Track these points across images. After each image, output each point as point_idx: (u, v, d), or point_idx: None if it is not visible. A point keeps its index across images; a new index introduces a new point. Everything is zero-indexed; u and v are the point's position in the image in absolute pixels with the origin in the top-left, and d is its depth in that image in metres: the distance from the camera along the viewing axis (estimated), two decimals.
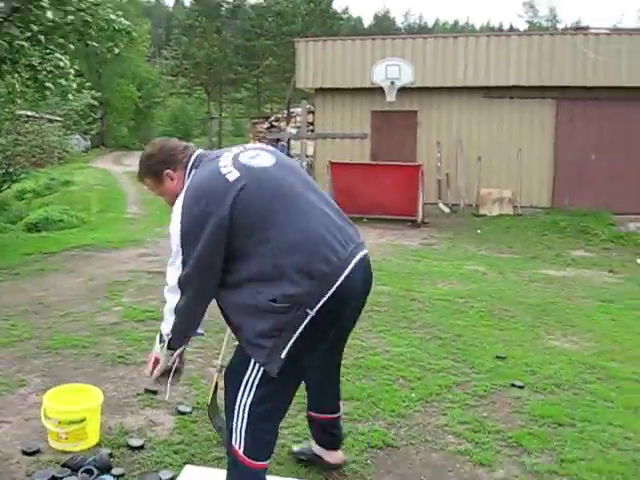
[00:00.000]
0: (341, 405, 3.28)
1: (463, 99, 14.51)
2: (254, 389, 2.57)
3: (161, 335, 2.77)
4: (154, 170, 2.80)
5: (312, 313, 2.46)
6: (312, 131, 15.30)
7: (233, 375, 2.66)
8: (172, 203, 2.73)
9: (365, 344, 5.30)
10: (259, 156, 2.65)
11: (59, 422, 3.23)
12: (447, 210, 14.66)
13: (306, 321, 2.46)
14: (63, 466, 3.09)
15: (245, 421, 2.60)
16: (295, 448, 3.37)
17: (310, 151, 15.28)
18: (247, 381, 2.58)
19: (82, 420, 3.25)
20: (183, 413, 3.80)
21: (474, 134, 14.60)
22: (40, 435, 3.44)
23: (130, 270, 7.84)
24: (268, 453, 2.70)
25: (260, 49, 28.50)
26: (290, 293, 2.45)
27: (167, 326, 2.70)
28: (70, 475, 3.01)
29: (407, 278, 8.07)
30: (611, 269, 9.89)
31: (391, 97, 14.10)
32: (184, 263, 2.52)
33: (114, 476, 3.04)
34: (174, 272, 2.58)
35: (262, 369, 2.54)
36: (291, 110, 16.00)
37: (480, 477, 3.34)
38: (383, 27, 64.64)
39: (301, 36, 27.26)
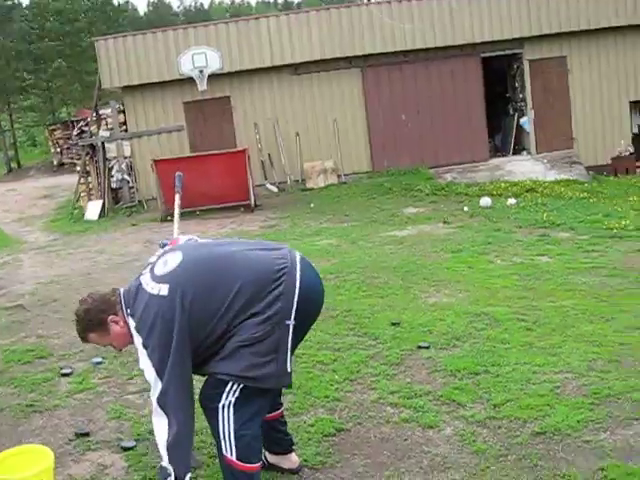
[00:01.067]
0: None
1: (273, 79, 14.71)
2: (237, 394, 2.73)
3: (163, 468, 2.75)
4: (97, 321, 2.87)
5: (292, 321, 2.72)
6: (126, 131, 14.78)
7: (211, 390, 2.78)
8: (124, 345, 2.97)
9: None
10: (168, 260, 2.85)
11: None
12: (275, 189, 14.88)
13: (291, 330, 2.73)
14: None
15: (231, 425, 2.72)
16: None
17: (127, 152, 14.74)
18: (228, 390, 2.73)
19: None
20: (128, 449, 3.67)
21: (289, 111, 14.89)
22: None
23: None
24: (259, 454, 2.82)
25: (46, 52, 26.70)
26: (267, 315, 2.71)
27: (166, 457, 2.70)
28: None
29: None
30: (445, 220, 10.66)
31: (202, 86, 13.96)
32: (160, 376, 2.67)
33: None
34: (154, 398, 2.71)
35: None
36: (100, 112, 15.29)
37: (433, 438, 3.59)
38: (160, 14, 63.18)
39: (87, 34, 26.01)
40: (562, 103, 14.96)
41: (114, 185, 14.81)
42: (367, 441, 3.61)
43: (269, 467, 3.26)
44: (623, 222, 9.44)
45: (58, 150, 25.24)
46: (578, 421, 3.60)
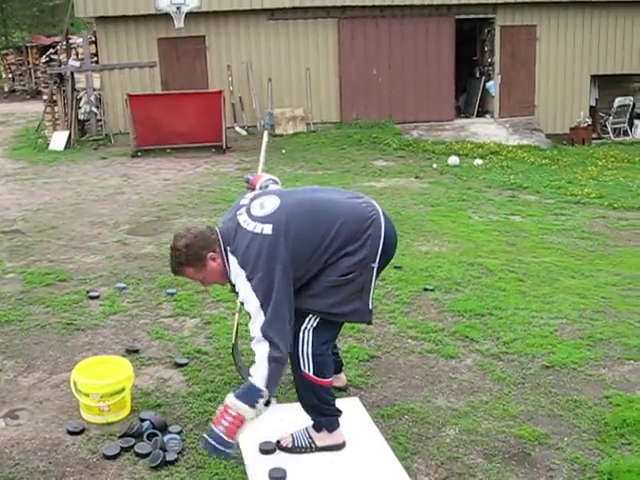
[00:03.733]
0: None
1: (250, 22, 14.68)
2: (317, 320, 3.02)
3: (255, 389, 2.87)
4: (197, 257, 2.97)
5: (376, 264, 3.02)
6: (97, 62, 14.55)
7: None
8: (214, 282, 3.10)
9: None
10: (265, 202, 3.01)
11: (101, 396, 3.31)
12: (244, 133, 14.99)
13: (374, 273, 3.03)
14: (122, 436, 3.21)
15: (310, 346, 3.02)
16: None
17: (97, 84, 14.53)
18: (310, 318, 3.02)
19: (122, 390, 3.37)
20: (182, 365, 4.00)
21: (263, 56, 14.94)
22: (68, 413, 3.49)
23: None
24: (331, 370, 3.15)
25: None
26: (358, 258, 2.97)
27: (261, 381, 2.85)
28: (139, 442, 3.16)
29: None
30: (417, 175, 11.11)
31: (179, 23, 13.88)
32: (263, 309, 2.83)
33: (176, 433, 3.25)
34: (256, 326, 2.86)
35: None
36: (70, 41, 14.96)
37: (456, 367, 4.07)
38: None
39: None
40: (527, 71, 15.51)
41: (81, 117, 14.62)
42: (398, 367, 4.06)
43: None
44: (585, 190, 10.10)
45: (10, 76, 24.38)
46: (580, 358, 4.14)
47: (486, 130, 14.97)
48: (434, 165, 12.02)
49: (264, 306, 2.84)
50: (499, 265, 6.07)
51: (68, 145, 14.00)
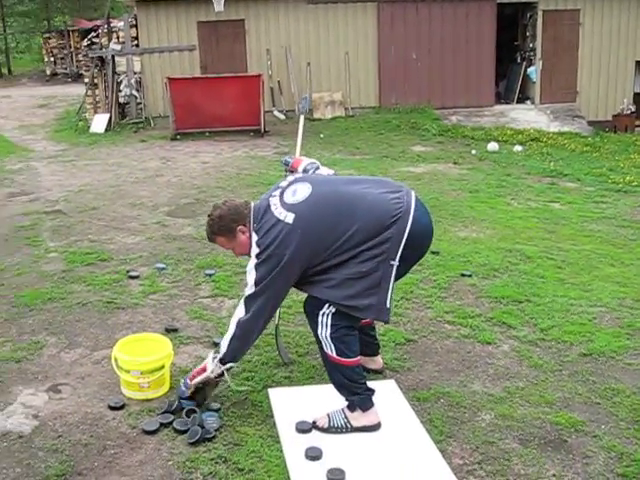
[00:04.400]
0: None
1: (289, 6, 14.67)
2: (334, 307, 3.09)
3: (218, 347, 3.28)
4: (228, 228, 3.21)
5: (396, 262, 3.04)
6: (137, 46, 14.69)
7: (314, 300, 3.14)
8: (243, 254, 3.28)
9: None
10: (298, 190, 3.13)
11: (141, 373, 3.38)
12: (282, 117, 15.02)
13: (394, 271, 3.05)
14: (164, 413, 3.28)
15: (328, 329, 3.10)
16: None
17: (137, 67, 14.68)
18: (330, 304, 3.10)
19: (162, 367, 3.43)
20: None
21: (302, 40, 14.93)
22: (109, 389, 3.57)
23: (20, 213, 7.45)
24: (355, 350, 3.17)
25: None
26: (375, 253, 3.03)
27: (226, 341, 3.23)
28: (178, 418, 3.23)
29: None
30: (455, 161, 11.02)
31: (219, 7, 13.87)
32: (256, 284, 3.08)
33: (214, 410, 3.31)
34: (244, 295, 3.18)
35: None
36: (111, 25, 15.13)
37: (493, 352, 4.06)
38: None
39: None
40: (570, 56, 15.23)
41: (121, 100, 14.78)
42: (435, 351, 4.06)
43: None
44: (627, 178, 9.90)
45: (52, 59, 24.73)
46: (619, 347, 4.09)
47: (526, 116, 14.75)
48: (473, 151, 11.90)
49: (257, 283, 3.08)
50: (537, 252, 6.01)
51: (108, 128, 14.19)
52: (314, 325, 3.15)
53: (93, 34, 16.68)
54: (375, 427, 3.19)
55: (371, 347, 3.69)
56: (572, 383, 3.68)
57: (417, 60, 15.07)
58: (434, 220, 6.67)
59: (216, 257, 5.66)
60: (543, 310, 4.66)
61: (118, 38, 14.79)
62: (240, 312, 3.17)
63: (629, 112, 15.20)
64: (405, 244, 3.03)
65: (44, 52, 25.56)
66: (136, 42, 14.72)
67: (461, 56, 15.04)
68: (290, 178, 3.28)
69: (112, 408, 3.36)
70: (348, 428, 3.17)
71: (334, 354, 3.11)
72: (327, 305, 3.08)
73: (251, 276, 3.11)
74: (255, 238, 3.12)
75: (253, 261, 3.11)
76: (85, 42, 16.44)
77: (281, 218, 3.05)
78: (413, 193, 3.20)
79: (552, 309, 4.67)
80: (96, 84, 14.85)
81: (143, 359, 3.41)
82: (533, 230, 6.90)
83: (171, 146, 12.49)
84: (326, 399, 3.29)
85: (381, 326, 4.32)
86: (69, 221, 7.07)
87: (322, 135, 13.38)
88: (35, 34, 29.21)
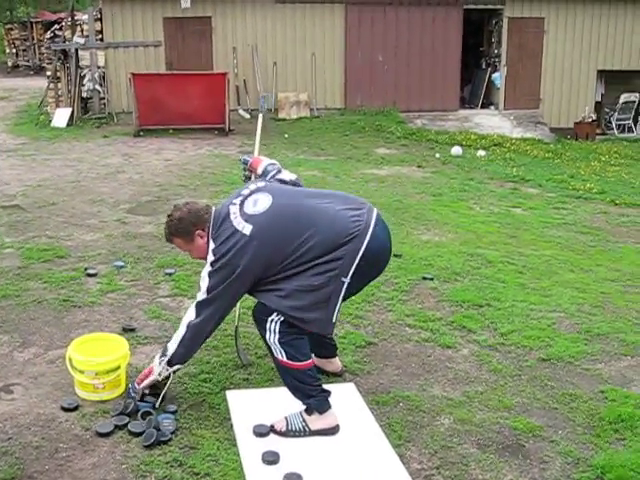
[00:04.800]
0: None
1: (257, 5, 14.58)
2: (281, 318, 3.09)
3: (165, 349, 3.26)
4: (186, 231, 3.20)
5: (347, 280, 3.06)
6: (101, 40, 14.46)
7: (262, 308, 3.13)
8: (200, 257, 3.27)
9: None
10: (259, 201, 3.12)
11: (96, 374, 3.30)
12: (247, 116, 14.91)
13: (344, 288, 3.07)
14: (119, 415, 3.20)
15: (276, 335, 3.09)
16: None
17: (101, 62, 14.45)
18: (274, 316, 3.10)
19: (118, 368, 3.36)
20: None
21: (269, 39, 14.85)
22: (63, 390, 3.48)
23: None
24: (307, 353, 3.16)
25: None
26: (328, 268, 3.04)
27: (174, 343, 3.22)
28: (133, 420, 3.15)
29: None
30: (419, 164, 11.08)
31: (186, 3, 13.82)
32: (208, 292, 3.08)
33: (170, 412, 3.25)
34: (196, 300, 3.17)
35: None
36: (75, 17, 14.84)
37: (453, 356, 4.06)
38: None
39: None
40: (534, 63, 15.42)
41: (84, 94, 14.52)
42: (395, 355, 4.05)
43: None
44: (587, 185, 10.07)
45: (14, 51, 24.23)
46: (577, 352, 4.14)
47: (490, 122, 14.91)
48: (437, 155, 11.98)
49: (209, 291, 3.10)
50: (499, 257, 6.05)
51: (70, 122, 13.93)
52: (262, 331, 3.15)
53: (57, 26, 16.38)
54: (333, 430, 3.16)
55: (328, 349, 3.67)
56: (531, 388, 3.70)
57: (383, 63, 15.11)
58: (397, 223, 6.69)
59: (176, 256, 5.57)
60: (503, 314, 4.69)
61: (82, 31, 14.51)
62: (191, 315, 3.17)
63: (590, 120, 15.45)
64: (360, 260, 3.04)
65: (6, 44, 25.04)
66: (100, 36, 14.48)
67: (427, 60, 15.13)
68: (252, 187, 3.25)
69: (65, 409, 3.27)
70: (306, 431, 3.14)
71: (284, 358, 3.10)
72: (275, 313, 3.08)
73: (204, 283, 3.12)
74: (212, 246, 3.12)
75: (207, 268, 3.12)
76: (48, 34, 16.13)
77: (239, 229, 3.06)
78: (375, 211, 3.20)
79: (512, 314, 4.70)
80: (59, 77, 14.56)
81: (98, 359, 3.33)
82: (495, 235, 6.96)
83: (134, 142, 12.31)
84: (284, 402, 3.25)
85: (341, 328, 4.32)
86: (27, 216, 6.91)
87: (287, 135, 13.33)
88: None
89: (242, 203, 3.14)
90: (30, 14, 26.33)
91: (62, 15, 20.66)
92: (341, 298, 3.09)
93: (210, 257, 3.10)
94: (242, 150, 11.86)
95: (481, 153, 12.24)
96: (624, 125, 16.26)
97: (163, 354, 3.25)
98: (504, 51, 15.43)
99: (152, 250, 5.78)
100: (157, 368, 3.25)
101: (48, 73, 14.75)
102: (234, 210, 3.13)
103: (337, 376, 3.70)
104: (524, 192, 9.50)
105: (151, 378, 3.27)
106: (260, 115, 4.10)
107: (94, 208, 7.31)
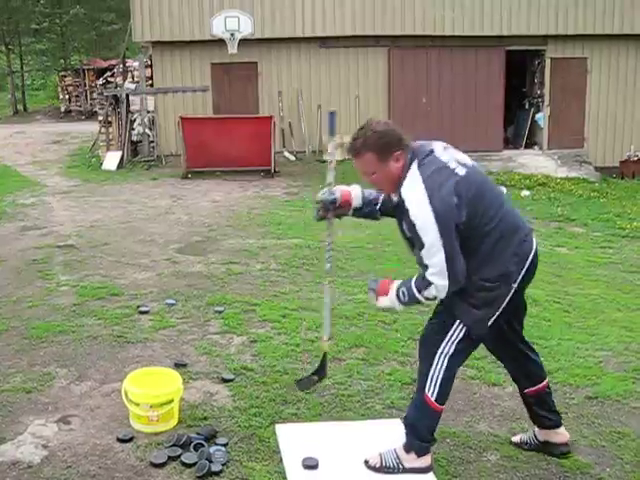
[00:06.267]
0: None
1: (301, 49, 14.99)
2: (454, 345, 3.03)
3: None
4: (385, 148, 2.89)
5: (515, 286, 3.00)
6: (151, 85, 15.00)
7: (433, 335, 3.08)
8: (383, 186, 3.02)
9: None
10: (459, 154, 3.01)
11: (151, 406, 3.42)
12: (292, 158, 15.22)
13: (511, 293, 2.99)
14: (172, 446, 3.31)
15: (442, 373, 3.04)
16: (514, 438, 3.50)
17: (151, 106, 14.98)
18: (449, 339, 3.03)
19: (171, 401, 3.48)
20: (228, 380, 4.10)
21: (313, 83, 15.21)
22: (118, 421, 3.61)
23: (33, 247, 7.54)
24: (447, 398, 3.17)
25: None
26: (502, 273, 2.97)
27: (420, 295, 2.95)
28: (186, 452, 3.25)
29: (307, 229, 8.55)
30: None
31: (232, 49, 14.22)
32: (443, 245, 2.78)
33: (222, 445, 3.34)
34: (435, 257, 2.82)
35: (464, 329, 3.02)
36: (126, 64, 15.48)
37: (499, 394, 4.09)
38: None
39: None
40: (578, 103, 15.43)
41: (134, 138, 15.05)
42: None
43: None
44: (634, 224, 9.97)
45: (67, 97, 25.21)
46: (624, 391, 4.11)
47: (534, 161, 14.90)
48: (524, 193, 11.99)
49: (444, 238, 2.78)
50: (544, 296, 6.04)
51: (121, 165, 14.43)
52: (426, 364, 3.07)
53: (108, 73, 17.09)
54: (427, 469, 3.14)
55: (553, 418, 3.38)
56: (578, 425, 3.69)
57: (427, 104, 15.31)
58: None
59: (225, 294, 5.72)
60: (549, 353, 4.68)
61: (133, 77, 15.11)
62: (442, 282, 2.85)
63: (636, 158, 15.33)
64: (527, 268, 3.00)
65: (59, 90, 26.07)
66: (150, 82, 15.02)
67: (470, 101, 15.27)
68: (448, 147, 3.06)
69: (121, 440, 3.39)
70: (399, 469, 3.14)
71: (433, 397, 3.05)
72: (445, 342, 3.02)
73: (431, 234, 2.78)
74: (418, 177, 2.83)
75: (427, 209, 2.77)
76: (100, 81, 16.81)
77: (451, 166, 2.87)
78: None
79: (558, 352, 4.70)
80: (110, 122, 15.12)
81: (153, 392, 3.45)
82: (540, 274, 6.85)
83: (182, 184, 12.66)
84: (333, 435, 3.32)
85: (388, 366, 4.38)
86: (81, 255, 7.17)
87: None
88: (51, 72, 29.81)
89: (445, 148, 3.01)
90: (83, 61, 27.45)
91: (113, 62, 21.52)
92: (504, 304, 3.00)
93: (422, 193, 2.80)
94: (287, 192, 12.08)
95: (525, 193, 12.24)
96: None
97: (414, 300, 2.98)
98: (547, 91, 15.50)
99: (202, 288, 5.94)
100: (395, 303, 3.08)
101: (100, 118, 15.35)
102: (439, 153, 2.95)
103: (564, 455, 3.36)
104: (569, 231, 9.47)
105: (387, 296, 3.09)
106: (331, 144, 3.46)
107: (145, 248, 7.53)
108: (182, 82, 14.94)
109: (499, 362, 4.47)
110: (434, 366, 3.04)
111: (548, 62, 15.38)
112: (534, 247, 3.07)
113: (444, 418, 3.71)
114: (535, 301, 5.86)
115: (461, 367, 4.35)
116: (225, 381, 4.10)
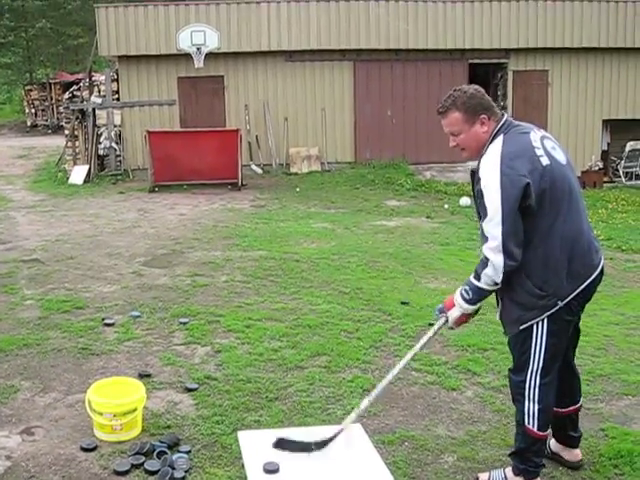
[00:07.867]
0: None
1: (268, 63, 15.12)
2: (538, 373, 3.03)
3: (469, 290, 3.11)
4: (473, 109, 2.93)
5: (561, 304, 2.94)
6: (118, 99, 14.99)
7: (518, 370, 3.12)
8: (466, 150, 3.03)
9: (290, 306, 5.88)
10: (555, 150, 2.97)
11: (114, 415, 3.46)
12: (260, 171, 15.30)
13: (554, 309, 2.95)
14: (135, 454, 3.35)
15: (537, 402, 3.03)
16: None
17: (117, 120, 14.96)
18: (531, 370, 3.04)
19: (135, 410, 3.52)
20: (192, 390, 4.15)
21: (280, 96, 15.33)
22: (82, 431, 3.64)
23: None
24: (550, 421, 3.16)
25: (29, 10, 26.40)
26: (551, 284, 2.92)
27: (486, 285, 3.00)
28: (149, 460, 3.30)
29: (273, 241, 8.64)
30: (428, 215, 11.29)
31: (199, 63, 14.30)
32: (502, 218, 2.78)
33: (184, 452, 3.39)
34: (495, 229, 2.81)
35: (543, 354, 3.00)
36: (93, 78, 15.44)
37: (457, 398, 4.19)
38: None
39: None
40: (540, 115, 15.74)
41: (101, 152, 15.02)
42: (401, 397, 4.18)
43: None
44: (594, 232, 10.18)
45: (32, 111, 25.02)
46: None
47: None
48: (445, 205, 12.20)
49: (505, 208, 2.78)
50: None
51: (87, 179, 14.37)
52: (520, 405, 3.09)
53: (75, 87, 17.01)
54: None
55: (573, 439, 3.43)
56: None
57: (392, 117, 15.52)
58: (405, 272, 6.87)
59: (190, 306, 5.78)
60: (507, 357, 4.75)
61: (99, 91, 15.08)
62: (499, 259, 2.85)
63: (597, 169, 15.70)
64: (584, 288, 2.93)
65: (25, 103, 25.85)
66: (117, 96, 15.01)
67: (434, 113, 15.26)
68: (549, 134, 3.09)
69: (84, 449, 3.43)
70: None
71: (534, 428, 3.05)
72: (528, 378, 3.03)
73: (494, 202, 2.79)
74: (500, 147, 2.85)
75: (496, 178, 2.79)
76: (67, 95, 16.75)
77: (537, 153, 2.85)
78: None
79: None
80: (76, 136, 15.06)
81: (116, 401, 3.50)
82: None
83: (149, 198, 12.66)
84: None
85: (349, 373, 4.47)
86: (46, 269, 7.15)
87: (298, 189, 13.65)
88: (17, 86, 29.56)
89: (543, 139, 2.96)
90: (49, 75, 27.26)
91: (80, 76, 21.39)
92: (544, 317, 2.95)
93: (496, 162, 2.81)
94: (254, 204, 12.14)
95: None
96: (631, 173, 16.46)
97: (481, 297, 3.09)
98: (510, 104, 15.81)
99: (167, 301, 5.97)
100: (468, 308, 3.21)
101: (66, 132, 15.29)
102: (534, 138, 2.92)
103: (574, 469, 3.40)
104: None
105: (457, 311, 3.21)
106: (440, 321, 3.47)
107: (111, 261, 7.54)
108: (149, 96, 14.96)
109: (452, 367, 4.61)
110: (527, 402, 3.05)
111: (510, 75, 15.71)
112: (594, 274, 2.99)
113: (403, 422, 3.84)
114: (494, 307, 6.00)
115: (420, 373, 4.51)
116: (189, 390, 4.15)
